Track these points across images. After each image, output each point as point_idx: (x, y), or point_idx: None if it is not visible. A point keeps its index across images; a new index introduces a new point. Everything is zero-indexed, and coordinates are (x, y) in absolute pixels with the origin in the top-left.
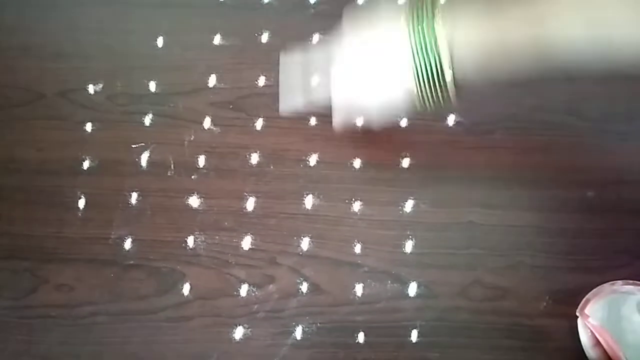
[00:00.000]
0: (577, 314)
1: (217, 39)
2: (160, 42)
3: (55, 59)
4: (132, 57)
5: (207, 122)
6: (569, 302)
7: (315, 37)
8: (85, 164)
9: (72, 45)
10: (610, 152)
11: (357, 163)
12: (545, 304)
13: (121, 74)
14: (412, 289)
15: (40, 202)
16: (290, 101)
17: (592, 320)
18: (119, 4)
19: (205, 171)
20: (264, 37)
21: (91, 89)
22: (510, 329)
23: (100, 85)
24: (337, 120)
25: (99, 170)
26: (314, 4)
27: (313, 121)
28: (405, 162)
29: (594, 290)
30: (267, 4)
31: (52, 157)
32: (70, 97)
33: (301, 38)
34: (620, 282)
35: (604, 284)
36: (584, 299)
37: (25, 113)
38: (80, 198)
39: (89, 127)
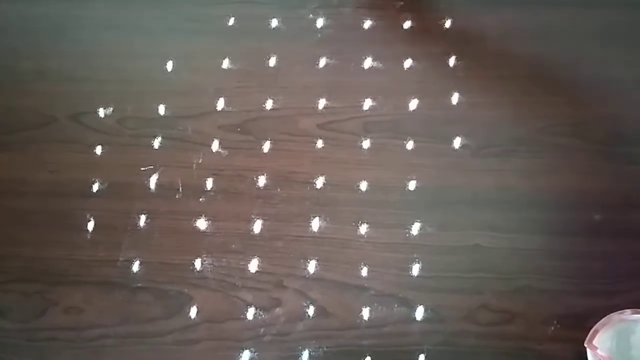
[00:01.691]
0: (586, 345)
1: (225, 63)
2: (170, 66)
3: (67, 83)
4: (143, 82)
5: (215, 145)
6: (577, 327)
7: (322, 61)
8: (95, 187)
9: (85, 69)
10: (618, 174)
11: (363, 185)
12: (553, 328)
13: (131, 98)
14: (419, 313)
15: (50, 224)
16: None
17: (600, 351)
18: (130, 30)
19: (212, 194)
20: (272, 61)
21: (102, 112)
22: (518, 353)
23: (111, 109)
24: None
25: (108, 193)
26: (320, 28)
27: (320, 144)
28: (412, 185)
29: (603, 320)
30: (274, 29)
31: (63, 180)
32: (81, 121)
33: (308, 62)
34: (629, 310)
35: (613, 314)
36: (592, 330)
37: (38, 136)
38: (89, 220)
39: (99, 150)
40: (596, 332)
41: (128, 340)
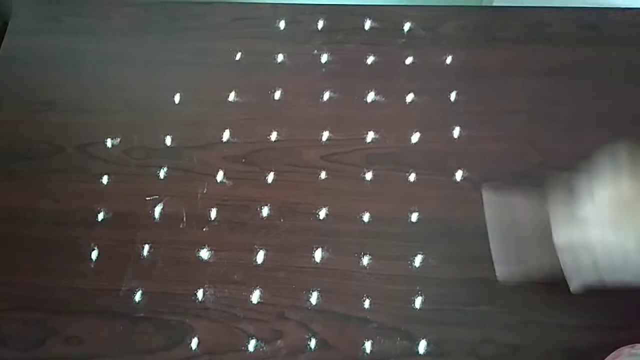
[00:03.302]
0: None
1: (231, 96)
2: (177, 98)
3: (76, 113)
4: (150, 113)
5: (220, 176)
6: None
7: (326, 94)
8: (100, 216)
9: (93, 100)
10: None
11: (366, 217)
12: None
13: (139, 129)
14: (422, 347)
15: (54, 253)
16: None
17: None
18: (139, 62)
19: (216, 224)
20: (277, 95)
21: (109, 142)
22: None
23: (118, 139)
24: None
25: (113, 222)
26: (325, 63)
27: (323, 175)
28: (414, 217)
29: (613, 353)
30: (280, 63)
31: (69, 209)
32: (88, 151)
33: (312, 95)
34: (639, 345)
35: (623, 347)
36: None
37: (46, 165)
38: (93, 250)
39: (105, 179)
40: None
41: None
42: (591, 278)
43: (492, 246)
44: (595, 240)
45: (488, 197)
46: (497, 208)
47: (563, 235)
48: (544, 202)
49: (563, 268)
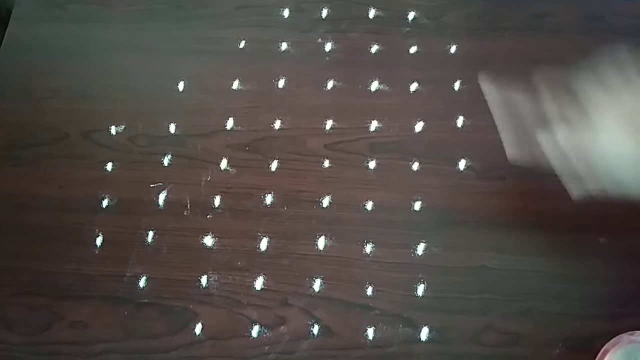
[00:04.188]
0: None
1: (235, 84)
2: (181, 86)
3: (81, 101)
4: (154, 101)
5: (223, 163)
6: (582, 350)
7: (330, 83)
8: (105, 202)
9: (98, 88)
10: (622, 199)
11: (369, 205)
12: (558, 350)
13: (143, 116)
14: (424, 334)
15: (59, 239)
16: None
17: None
18: (143, 51)
19: (220, 211)
20: (281, 83)
21: (113, 130)
22: None
23: (122, 127)
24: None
25: (117, 209)
26: (329, 52)
27: (327, 164)
28: (417, 205)
29: (612, 340)
30: (284, 52)
31: (73, 195)
32: (93, 138)
33: (316, 84)
34: (638, 332)
35: (622, 334)
36: (602, 349)
37: (50, 152)
38: (98, 236)
39: (109, 166)
40: (606, 352)
41: (132, 356)
42: (591, 185)
43: (500, 129)
44: (587, 145)
45: (488, 90)
46: (499, 100)
47: (547, 138)
48: (541, 98)
49: (559, 175)
